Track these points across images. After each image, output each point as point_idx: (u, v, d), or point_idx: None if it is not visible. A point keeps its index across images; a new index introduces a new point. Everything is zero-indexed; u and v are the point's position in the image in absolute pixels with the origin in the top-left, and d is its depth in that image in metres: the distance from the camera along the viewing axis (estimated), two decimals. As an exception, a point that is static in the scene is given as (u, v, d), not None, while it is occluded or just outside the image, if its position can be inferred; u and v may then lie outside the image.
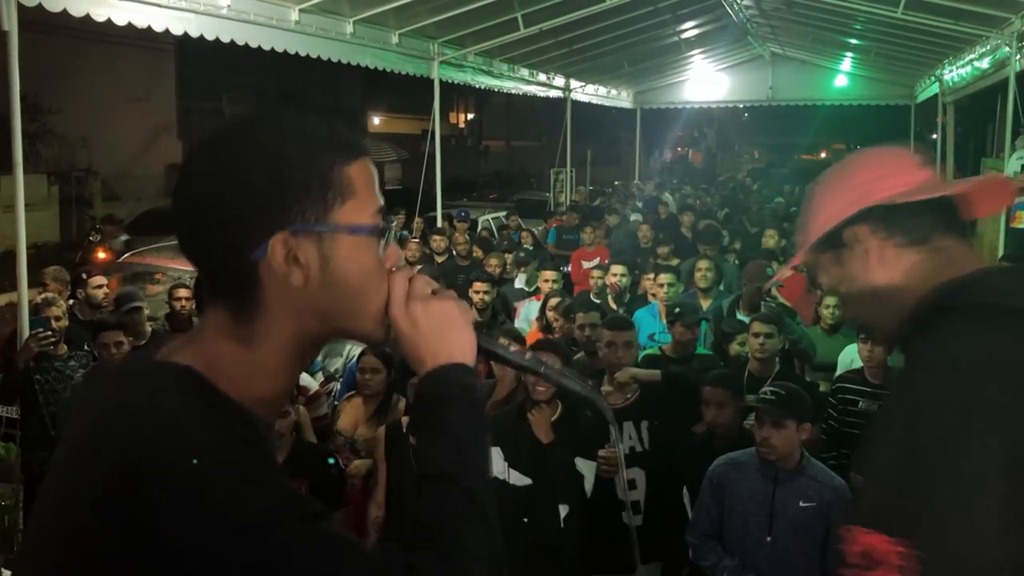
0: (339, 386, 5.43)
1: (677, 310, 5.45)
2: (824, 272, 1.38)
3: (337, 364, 5.60)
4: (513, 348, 1.24)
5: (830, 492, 3.54)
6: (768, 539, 3.53)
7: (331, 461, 4.00)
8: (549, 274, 7.27)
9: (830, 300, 6.29)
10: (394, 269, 1.14)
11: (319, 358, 5.49)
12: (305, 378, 4.88)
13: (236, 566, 0.88)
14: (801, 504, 3.51)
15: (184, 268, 7.47)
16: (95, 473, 0.93)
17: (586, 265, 8.91)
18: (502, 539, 1.06)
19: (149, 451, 0.91)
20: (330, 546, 0.93)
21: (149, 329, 5.68)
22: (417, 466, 1.09)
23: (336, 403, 5.06)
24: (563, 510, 3.75)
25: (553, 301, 6.01)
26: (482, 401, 1.15)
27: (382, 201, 1.13)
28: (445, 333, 1.13)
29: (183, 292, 6.13)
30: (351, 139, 1.10)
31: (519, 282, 8.28)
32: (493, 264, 8.09)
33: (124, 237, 10.42)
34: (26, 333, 5.03)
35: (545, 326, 5.93)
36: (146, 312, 5.81)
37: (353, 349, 5.45)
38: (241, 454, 0.95)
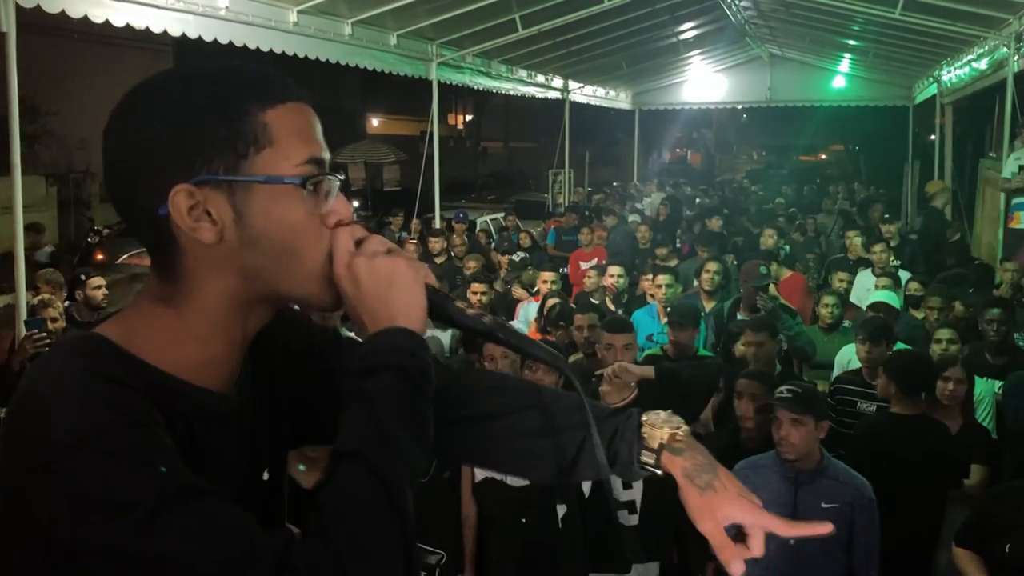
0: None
1: (668, 310, 5.45)
2: None
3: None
4: (471, 311, 1.10)
5: (852, 492, 3.51)
6: (791, 541, 3.50)
7: (301, 467, 3.86)
8: (548, 275, 7.26)
9: (828, 299, 6.30)
10: (340, 225, 1.03)
11: None
12: None
13: (89, 545, 0.84)
14: (824, 505, 3.47)
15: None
16: None
17: (584, 266, 8.91)
18: (415, 531, 0.93)
19: (18, 426, 0.90)
20: (194, 527, 0.85)
21: None
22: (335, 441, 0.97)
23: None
24: (561, 510, 3.75)
25: (550, 303, 6.01)
26: (422, 370, 1.00)
27: (319, 151, 1.02)
28: (389, 293, 1.01)
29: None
30: (274, 84, 1.01)
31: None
32: (471, 266, 7.97)
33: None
34: (22, 335, 5.03)
35: (543, 327, 5.92)
36: None
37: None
38: (112, 426, 0.87)
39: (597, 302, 6.86)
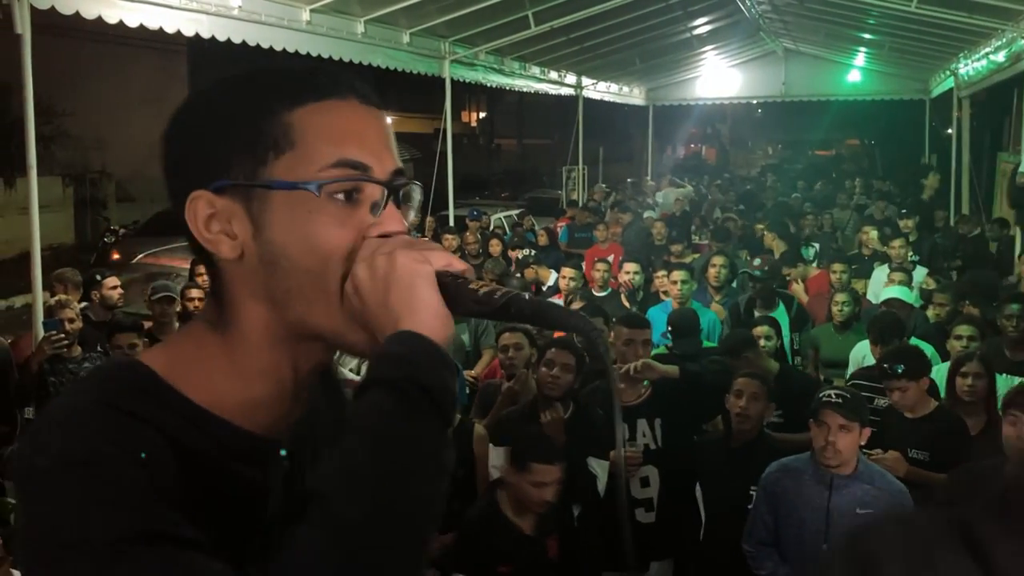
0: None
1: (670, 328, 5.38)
2: None
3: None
4: (483, 290, 0.86)
5: (889, 498, 3.39)
6: (825, 547, 3.38)
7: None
8: (568, 271, 7.16)
9: (840, 297, 6.26)
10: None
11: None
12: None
13: None
14: (859, 511, 3.37)
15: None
16: None
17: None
18: None
19: (18, 452, 0.83)
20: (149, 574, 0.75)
21: (177, 325, 5.70)
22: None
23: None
24: (576, 509, 3.74)
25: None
26: (421, 383, 0.80)
27: (357, 153, 0.87)
28: (388, 296, 0.83)
29: (195, 292, 6.14)
30: (309, 81, 0.89)
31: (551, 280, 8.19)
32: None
33: None
34: (40, 335, 5.06)
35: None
36: (176, 307, 5.85)
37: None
38: (96, 457, 0.78)
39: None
